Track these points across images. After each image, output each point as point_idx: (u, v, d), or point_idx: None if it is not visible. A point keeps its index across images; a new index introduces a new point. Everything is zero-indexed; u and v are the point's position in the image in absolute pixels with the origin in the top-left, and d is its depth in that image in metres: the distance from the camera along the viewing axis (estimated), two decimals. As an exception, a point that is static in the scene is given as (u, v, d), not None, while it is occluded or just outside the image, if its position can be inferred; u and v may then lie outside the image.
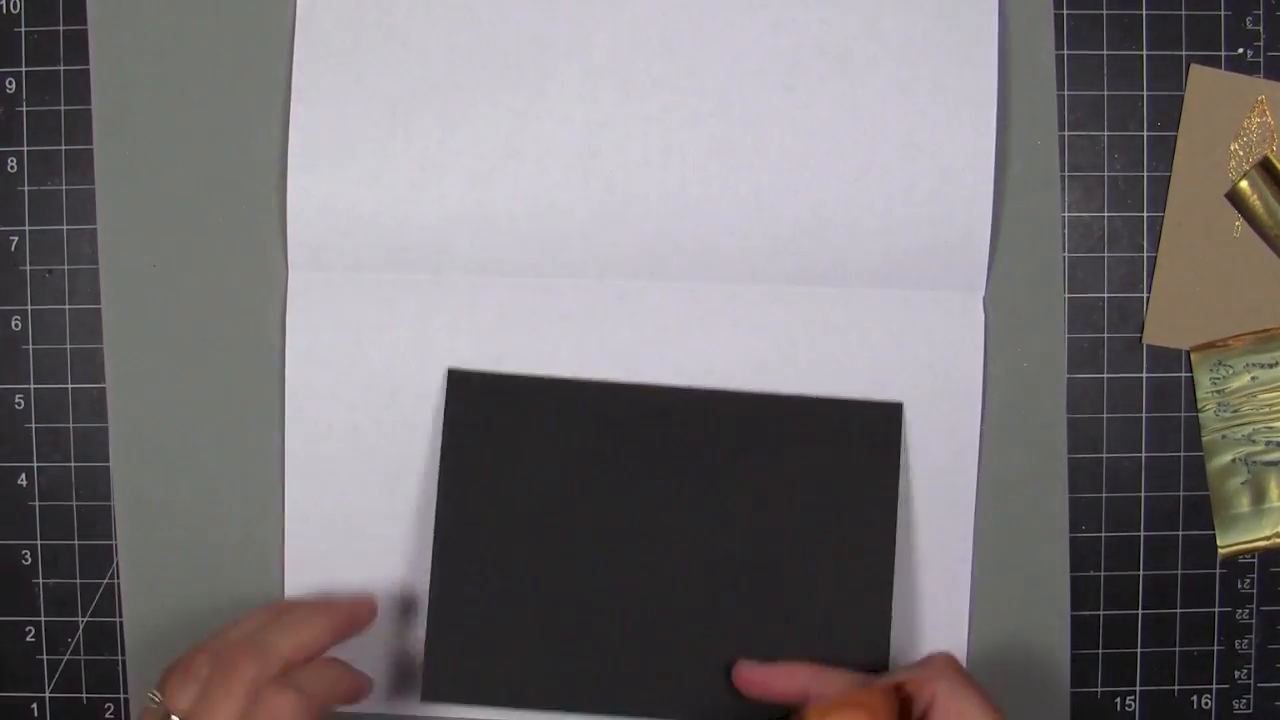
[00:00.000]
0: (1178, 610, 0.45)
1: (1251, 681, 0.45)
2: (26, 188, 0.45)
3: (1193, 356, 0.45)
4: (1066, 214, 0.45)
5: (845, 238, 0.43)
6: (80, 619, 0.45)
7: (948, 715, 0.37)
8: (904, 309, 0.43)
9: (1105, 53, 0.45)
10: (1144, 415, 0.45)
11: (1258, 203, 0.44)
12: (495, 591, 0.43)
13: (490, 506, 0.43)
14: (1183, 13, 0.44)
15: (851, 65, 0.43)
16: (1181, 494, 0.45)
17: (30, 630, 0.45)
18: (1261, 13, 0.44)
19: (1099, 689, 0.45)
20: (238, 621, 0.40)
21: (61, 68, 0.45)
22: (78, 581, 0.45)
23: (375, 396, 0.44)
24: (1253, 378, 0.44)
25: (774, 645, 0.42)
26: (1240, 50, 0.44)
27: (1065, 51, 0.44)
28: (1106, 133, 0.45)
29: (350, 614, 0.41)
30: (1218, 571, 0.45)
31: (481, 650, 0.43)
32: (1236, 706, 0.45)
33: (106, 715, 0.45)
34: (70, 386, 0.45)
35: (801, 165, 0.43)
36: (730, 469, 0.43)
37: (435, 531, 0.43)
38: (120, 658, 0.45)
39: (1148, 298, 0.45)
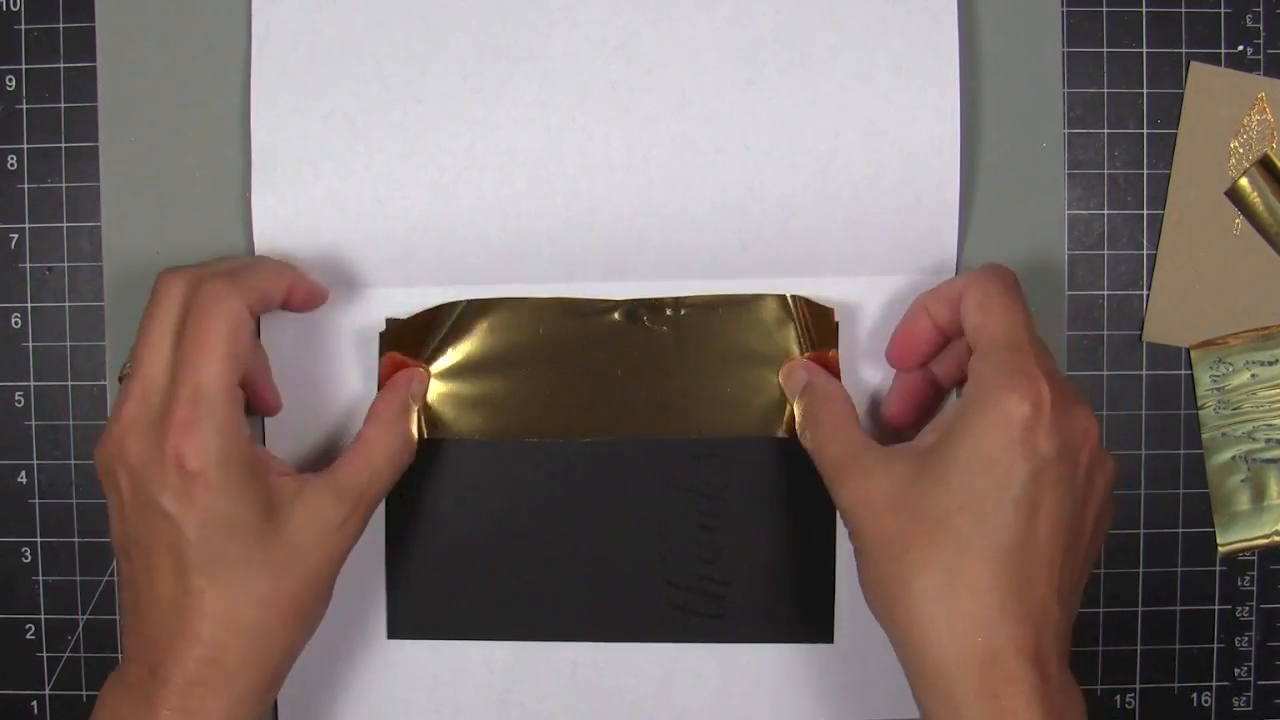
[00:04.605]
0: (1177, 608, 0.45)
1: (1251, 679, 0.45)
2: (26, 185, 0.45)
3: (1192, 354, 0.45)
4: (1067, 211, 0.45)
5: (814, 228, 0.43)
6: (80, 617, 0.45)
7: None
8: (876, 295, 0.43)
9: (1105, 50, 0.45)
10: (1144, 413, 0.45)
11: (1258, 200, 0.44)
12: (448, 525, 0.44)
13: (436, 443, 0.44)
14: (1183, 10, 0.44)
15: (811, 56, 0.43)
16: (1181, 491, 0.45)
17: (30, 628, 0.45)
18: (1261, 10, 0.44)
19: (1098, 686, 0.45)
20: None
21: (61, 65, 0.45)
22: (77, 579, 0.45)
23: (356, 416, 0.44)
24: (1253, 375, 0.44)
25: (723, 560, 0.44)
26: (1240, 48, 0.44)
27: (1065, 49, 0.44)
28: (1106, 130, 0.45)
29: (311, 287, 0.42)
30: (1217, 569, 0.45)
31: (441, 587, 0.44)
32: (1236, 704, 0.45)
33: (106, 713, 0.45)
34: (70, 384, 0.45)
35: (766, 159, 0.43)
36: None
37: None
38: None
39: (1148, 295, 0.45)
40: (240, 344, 0.37)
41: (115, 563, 0.39)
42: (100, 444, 0.37)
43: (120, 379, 0.38)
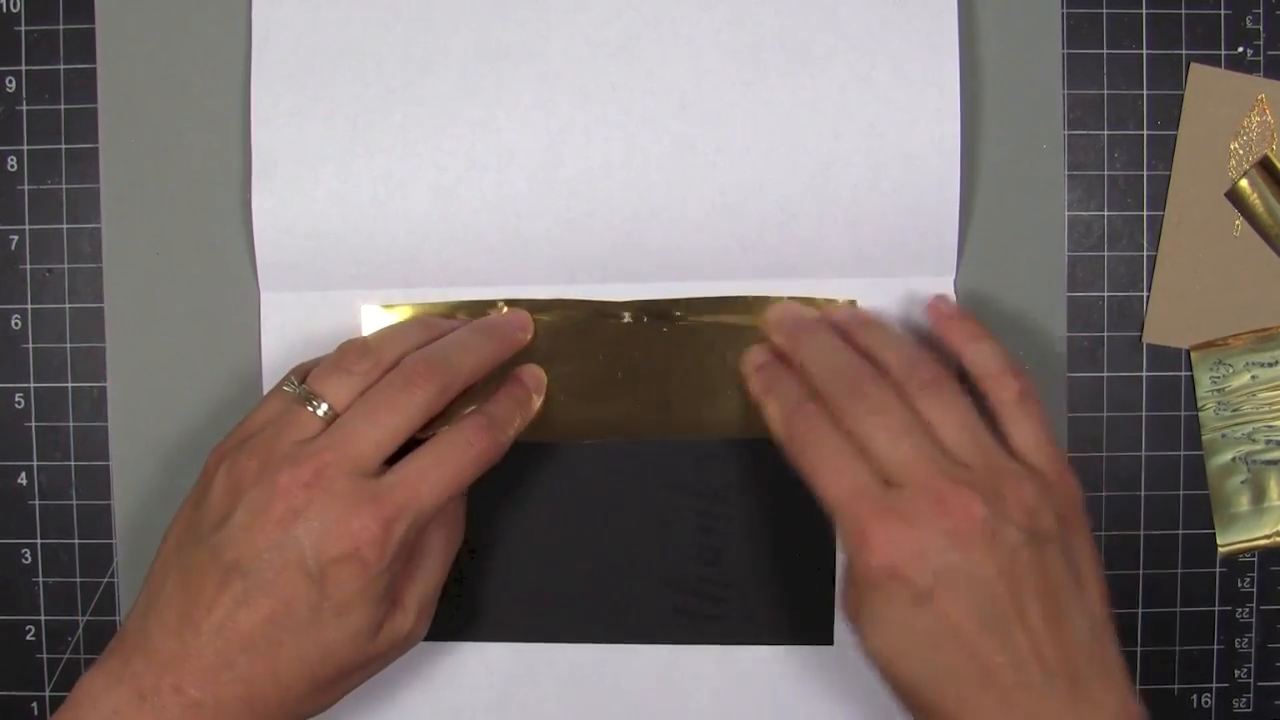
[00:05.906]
0: (1177, 609, 0.45)
1: (1251, 680, 0.45)
2: (26, 186, 0.45)
3: (1192, 355, 0.45)
4: (1067, 213, 0.45)
5: (814, 230, 0.43)
6: (80, 618, 0.45)
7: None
8: (875, 297, 0.43)
9: (1105, 51, 0.45)
10: (1144, 414, 0.45)
11: (1257, 201, 0.44)
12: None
13: None
14: (1183, 11, 0.44)
15: (811, 57, 0.43)
16: (1181, 493, 0.45)
17: (30, 629, 0.45)
18: (1261, 11, 0.44)
19: (1099, 688, 0.45)
20: (386, 333, 0.41)
21: (61, 66, 0.45)
22: (78, 580, 0.45)
23: None
24: (1253, 376, 0.44)
25: (723, 561, 0.44)
26: (1240, 49, 0.44)
27: (1065, 50, 0.44)
28: (1106, 131, 0.45)
29: (510, 339, 0.42)
30: (1218, 570, 0.45)
31: (455, 589, 0.44)
32: (1236, 705, 0.45)
33: (106, 714, 0.45)
34: (70, 385, 0.45)
35: (766, 160, 0.43)
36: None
37: None
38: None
39: (1148, 296, 0.45)
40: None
41: (164, 557, 0.37)
42: (251, 455, 0.37)
43: (305, 398, 0.38)
